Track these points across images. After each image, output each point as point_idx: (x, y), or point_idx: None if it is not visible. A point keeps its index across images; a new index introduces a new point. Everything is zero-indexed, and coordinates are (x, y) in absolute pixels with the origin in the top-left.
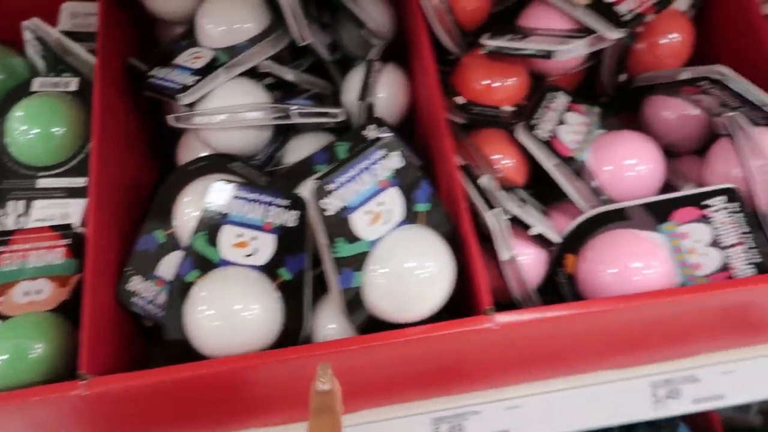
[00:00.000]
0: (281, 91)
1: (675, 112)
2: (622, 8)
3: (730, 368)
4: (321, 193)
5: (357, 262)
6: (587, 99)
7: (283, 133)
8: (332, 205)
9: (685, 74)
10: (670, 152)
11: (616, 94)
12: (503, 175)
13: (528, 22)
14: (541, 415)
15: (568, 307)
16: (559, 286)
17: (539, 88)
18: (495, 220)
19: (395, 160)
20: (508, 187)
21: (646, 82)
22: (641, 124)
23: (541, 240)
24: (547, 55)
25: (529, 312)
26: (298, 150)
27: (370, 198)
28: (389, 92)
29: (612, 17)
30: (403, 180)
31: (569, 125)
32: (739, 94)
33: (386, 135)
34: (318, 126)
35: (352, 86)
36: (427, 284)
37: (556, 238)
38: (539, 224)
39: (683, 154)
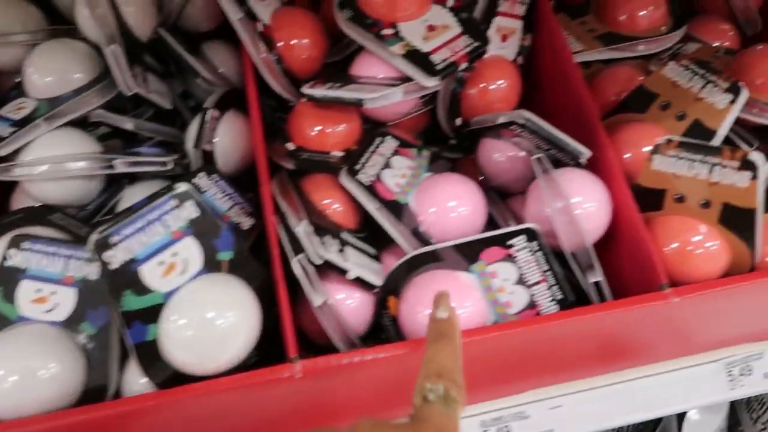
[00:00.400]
0: (122, 139)
1: (503, 154)
2: (436, 58)
3: (557, 403)
4: (103, 246)
5: (149, 314)
6: (439, 141)
7: (117, 182)
8: (117, 257)
9: (502, 118)
10: (506, 192)
11: (458, 137)
12: (330, 219)
13: (357, 70)
14: None
15: (374, 351)
16: (385, 329)
17: (370, 133)
18: (299, 267)
19: (190, 210)
20: (334, 231)
21: (478, 125)
22: (477, 166)
23: (364, 284)
24: (359, 102)
25: (334, 358)
26: (134, 198)
27: (163, 248)
28: (227, 139)
29: (427, 66)
30: (199, 229)
31: (395, 169)
32: (547, 137)
33: (181, 184)
34: (158, 174)
35: (190, 134)
36: (228, 334)
37: (376, 281)
38: (357, 268)
39: (516, 194)
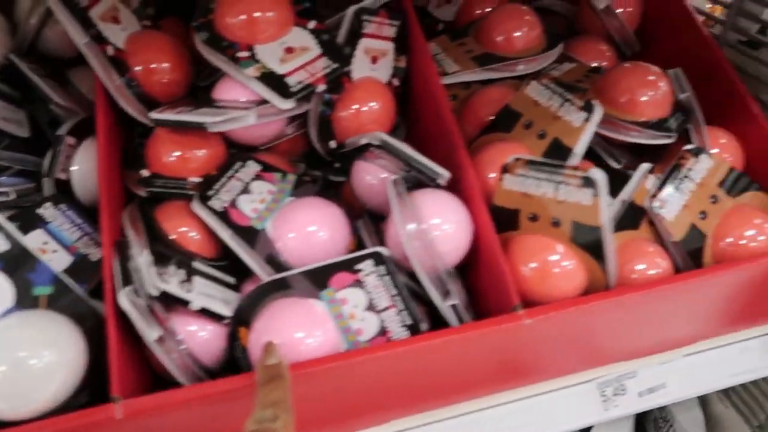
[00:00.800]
0: None
1: (373, 177)
2: (292, 80)
3: None
4: None
5: None
6: (326, 164)
7: None
8: None
9: (364, 139)
10: (382, 215)
11: (341, 160)
12: (182, 248)
13: (218, 94)
14: None
15: (206, 387)
16: (238, 361)
17: (233, 157)
18: (126, 300)
19: None
20: (183, 260)
21: (349, 147)
22: (351, 189)
23: (214, 315)
24: (203, 126)
25: (161, 395)
26: None
27: None
28: (85, 167)
29: (282, 88)
30: (8, 263)
31: (253, 194)
32: (404, 158)
33: None
34: (6, 205)
35: (45, 162)
36: (44, 374)
37: (226, 311)
38: (203, 298)
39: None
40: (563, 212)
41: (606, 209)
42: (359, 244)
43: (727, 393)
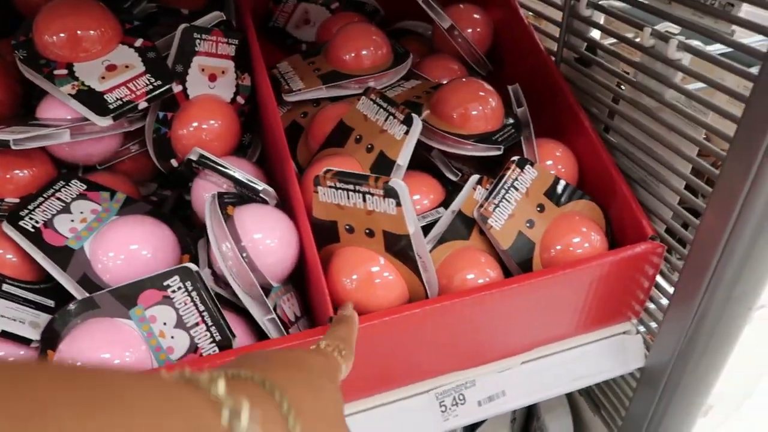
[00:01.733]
0: None
1: (207, 194)
2: (110, 97)
3: None
4: None
5: None
6: (182, 185)
7: None
8: None
9: (193, 155)
10: None
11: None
12: None
13: (42, 112)
14: None
15: None
16: None
17: (57, 177)
18: None
19: None
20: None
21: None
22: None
23: (22, 339)
24: (6, 144)
25: None
26: None
27: None
28: None
29: (100, 105)
30: None
31: (74, 214)
32: (224, 174)
33: None
34: None
35: None
36: None
37: (30, 335)
38: (4, 322)
39: None
40: (374, 222)
41: (411, 218)
42: (194, 263)
43: (593, 400)
